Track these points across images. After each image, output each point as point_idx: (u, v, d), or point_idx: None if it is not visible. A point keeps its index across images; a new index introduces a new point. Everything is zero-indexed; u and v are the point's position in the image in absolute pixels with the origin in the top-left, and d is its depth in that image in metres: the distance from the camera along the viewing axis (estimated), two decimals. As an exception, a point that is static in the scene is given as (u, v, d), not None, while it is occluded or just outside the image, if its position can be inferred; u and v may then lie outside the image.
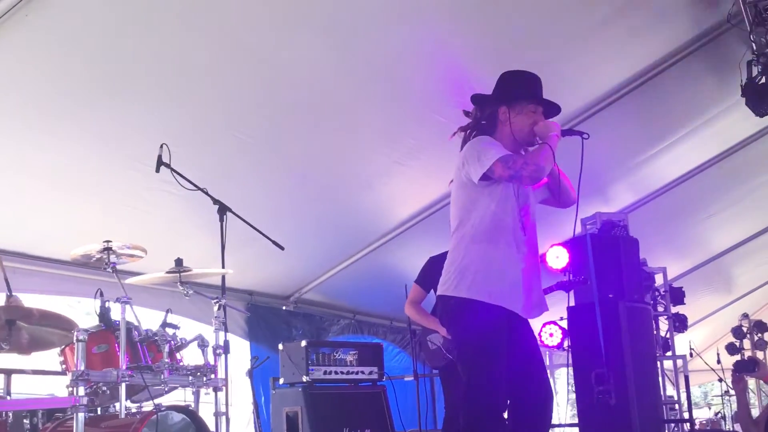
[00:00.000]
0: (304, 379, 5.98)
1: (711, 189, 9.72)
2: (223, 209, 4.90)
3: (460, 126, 4.02)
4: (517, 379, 3.66)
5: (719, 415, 12.09)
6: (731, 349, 12.67)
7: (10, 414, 4.41)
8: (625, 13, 6.18)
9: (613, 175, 8.44)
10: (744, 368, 5.61)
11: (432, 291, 6.08)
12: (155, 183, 5.36)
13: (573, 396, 7.32)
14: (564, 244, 7.42)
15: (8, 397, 4.70)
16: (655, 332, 8.41)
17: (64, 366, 4.46)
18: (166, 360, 4.30)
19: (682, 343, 10.27)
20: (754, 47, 6.67)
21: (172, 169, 4.77)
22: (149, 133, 5.11)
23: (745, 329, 12.64)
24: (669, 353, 9.19)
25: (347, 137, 6.15)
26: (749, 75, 6.82)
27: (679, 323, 9.53)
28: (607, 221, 7.45)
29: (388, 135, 6.31)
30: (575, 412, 7.54)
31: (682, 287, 9.57)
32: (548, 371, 10.04)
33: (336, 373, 6.16)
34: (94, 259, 4.53)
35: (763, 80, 6.74)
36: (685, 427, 8.41)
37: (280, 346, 6.34)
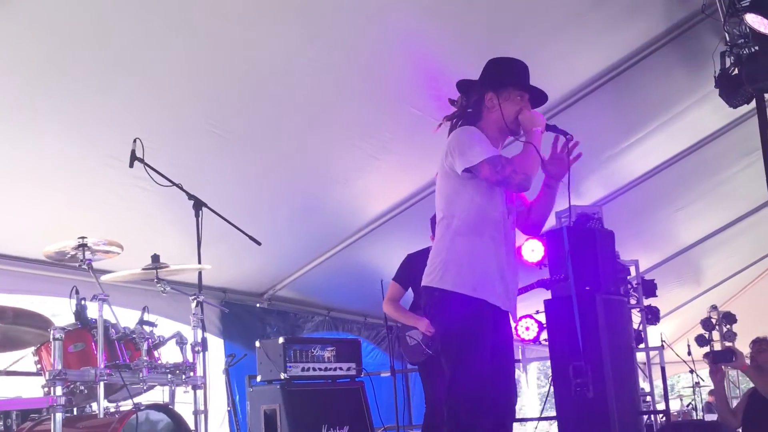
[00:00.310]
0: (282, 376, 5.90)
1: (681, 182, 9.79)
2: (198, 205, 4.84)
3: (446, 115, 3.94)
4: (490, 373, 3.63)
5: (690, 406, 12.18)
6: (700, 340, 12.77)
7: (-17, 415, 4.29)
8: (600, 4, 6.19)
9: (585, 168, 8.44)
10: (722, 358, 5.63)
11: (410, 288, 6.05)
12: (129, 179, 5.27)
13: (545, 390, 7.32)
14: (539, 237, 7.42)
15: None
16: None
17: (39, 366, 4.35)
18: (145, 358, 4.21)
19: (653, 335, 10.31)
20: (727, 38, 6.70)
21: (146, 164, 4.69)
22: (123, 127, 5.00)
23: (714, 321, 12.76)
24: (641, 345, 9.23)
25: (323, 131, 6.08)
26: (722, 66, 6.85)
27: (652, 315, 9.57)
28: (582, 214, 7.45)
29: (363, 129, 6.26)
30: (547, 405, 7.55)
31: (654, 280, 9.62)
32: (521, 365, 10.09)
33: (314, 369, 6.08)
34: (69, 256, 4.42)
35: (736, 71, 6.78)
36: (661, 418, 8.44)
37: (257, 344, 6.26)
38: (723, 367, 5.77)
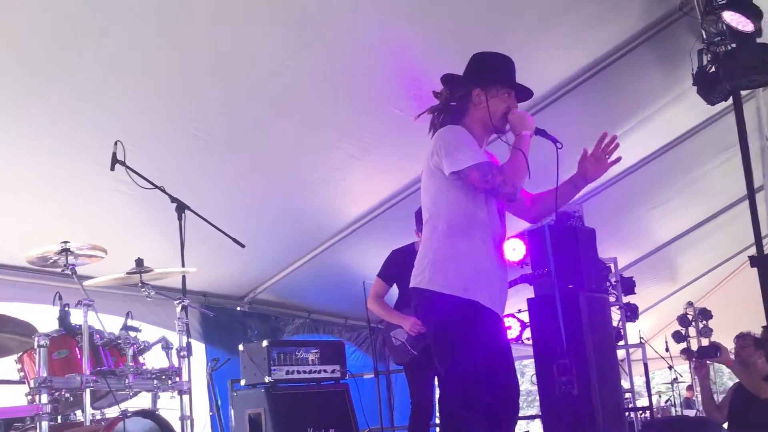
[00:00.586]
0: (267, 379, 5.86)
1: (658, 179, 9.85)
2: (181, 207, 4.80)
3: (429, 107, 3.88)
4: (493, 376, 3.60)
5: (668, 402, 12.27)
6: (677, 337, 12.89)
7: (-35, 425, 4.22)
8: (578, 4, 6.20)
9: (562, 166, 8.46)
10: (706, 354, 5.66)
11: (395, 285, 6.03)
12: (111, 183, 5.21)
13: (524, 388, 7.32)
14: (520, 236, 7.43)
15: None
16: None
17: (21, 373, 4.28)
18: (131, 364, 4.15)
19: (632, 332, 10.38)
20: (704, 36, 6.74)
21: (128, 167, 4.64)
22: (104, 131, 4.94)
23: (690, 317, 12.87)
24: (621, 342, 9.29)
25: (304, 133, 6.04)
26: (700, 64, 6.89)
27: (631, 313, 9.65)
28: (563, 212, 7.46)
29: (345, 130, 6.22)
30: (532, 403, 7.55)
31: (632, 277, 9.67)
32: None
33: (298, 372, 6.04)
34: (52, 261, 4.36)
35: (713, 69, 6.82)
36: (641, 414, 8.49)
37: (241, 347, 6.21)
38: (708, 362, 5.79)
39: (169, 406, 4.50)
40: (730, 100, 7.04)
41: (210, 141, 5.56)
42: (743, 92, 7.06)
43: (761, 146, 6.93)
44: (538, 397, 6.87)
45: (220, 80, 5.16)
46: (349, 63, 5.54)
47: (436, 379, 5.89)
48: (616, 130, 8.11)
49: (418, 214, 5.78)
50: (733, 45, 6.40)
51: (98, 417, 4.13)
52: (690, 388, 13.21)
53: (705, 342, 12.90)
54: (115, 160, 4.59)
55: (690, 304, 13.00)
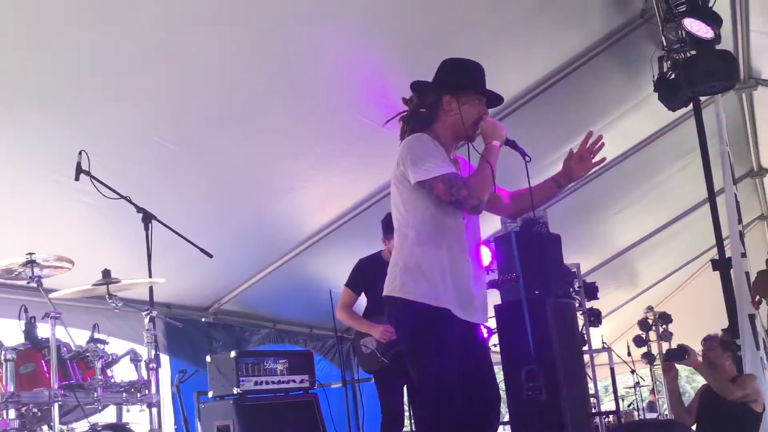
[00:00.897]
0: (235, 391, 5.78)
1: (620, 185, 9.97)
2: (147, 217, 4.73)
3: (398, 114, 3.83)
4: (468, 384, 3.58)
5: (631, 407, 12.38)
6: (638, 341, 13.04)
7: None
8: (541, 12, 6.25)
9: (532, 170, 8.51)
10: (675, 356, 5.70)
11: (363, 294, 6.01)
12: (74, 192, 5.13)
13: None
14: (486, 243, 7.44)
15: None
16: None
17: (-14, 389, 4.17)
18: (99, 377, 4.07)
19: (595, 337, 10.45)
20: (665, 43, 6.84)
21: (93, 177, 4.56)
22: (66, 142, 4.85)
23: (650, 321, 13.04)
24: (585, 347, 9.33)
25: (269, 142, 6.00)
26: (660, 70, 6.99)
27: (594, 318, 9.69)
28: (528, 218, 7.48)
29: (312, 139, 6.19)
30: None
31: (595, 282, 9.74)
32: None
33: (267, 383, 5.96)
34: (16, 273, 4.26)
35: (674, 75, 6.93)
36: (606, 420, 8.53)
37: (208, 358, 6.13)
38: (676, 365, 5.84)
39: (135, 420, 4.44)
40: (690, 106, 7.17)
41: (173, 150, 5.48)
42: (702, 98, 7.18)
43: (721, 151, 7.03)
44: (506, 404, 6.86)
45: (183, 88, 5.09)
46: (313, 72, 5.52)
47: (405, 387, 5.88)
48: (577, 137, 8.27)
49: (385, 222, 5.78)
50: (693, 52, 6.52)
51: (66, 432, 4.05)
52: (653, 391, 13.36)
53: (666, 346, 13.08)
54: (79, 170, 4.52)
55: (650, 308, 13.18)
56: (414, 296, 3.52)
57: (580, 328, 9.02)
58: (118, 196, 4.65)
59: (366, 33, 5.47)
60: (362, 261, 6.05)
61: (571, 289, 8.96)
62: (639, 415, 12.25)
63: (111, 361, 4.30)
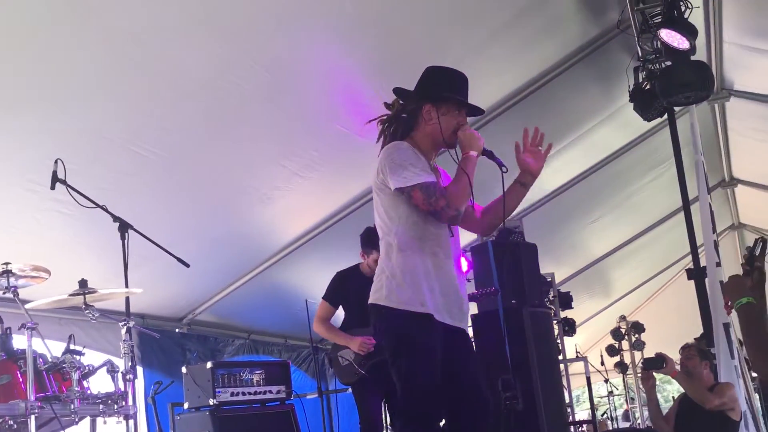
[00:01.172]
0: (211, 402, 5.71)
1: (593, 195, 10.02)
2: (124, 227, 4.67)
3: (379, 117, 3.84)
4: (453, 390, 3.57)
5: (605, 416, 12.42)
6: (611, 350, 13.13)
7: None
8: (518, 23, 6.27)
9: (499, 183, 8.52)
10: (653, 365, 5.72)
11: (341, 306, 5.97)
12: (48, 201, 5.06)
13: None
14: (462, 253, 7.43)
15: None
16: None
17: (-40, 402, 4.08)
18: (76, 388, 4.00)
19: (568, 346, 10.48)
20: (640, 53, 6.89)
21: (69, 186, 4.50)
22: (40, 149, 4.79)
23: (623, 331, 13.13)
24: (560, 357, 9.34)
25: (245, 150, 5.95)
26: (636, 81, 7.04)
27: (568, 327, 9.73)
28: (504, 228, 7.48)
29: (289, 147, 6.15)
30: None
31: (569, 292, 9.77)
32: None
33: (243, 394, 5.89)
34: (-9, 284, 4.19)
35: (648, 86, 6.98)
36: (580, 429, 8.56)
37: (184, 369, 6.05)
38: (654, 373, 5.86)
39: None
40: (664, 117, 7.23)
41: (150, 159, 5.42)
42: (676, 108, 7.24)
43: (696, 161, 7.08)
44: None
45: (161, 97, 5.05)
46: (290, 81, 5.50)
47: (384, 398, 5.86)
48: (554, 147, 8.31)
49: (364, 236, 5.76)
50: (668, 62, 6.57)
51: (42, 445, 3.97)
52: (631, 399, 13.44)
53: (638, 355, 13.17)
54: (55, 179, 4.45)
55: (623, 317, 13.26)
56: (398, 304, 3.54)
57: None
58: (95, 205, 4.59)
59: (343, 43, 5.46)
60: (340, 273, 6.02)
61: (546, 299, 8.99)
62: (612, 424, 12.30)
63: (88, 373, 4.22)
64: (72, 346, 4.35)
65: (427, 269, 3.57)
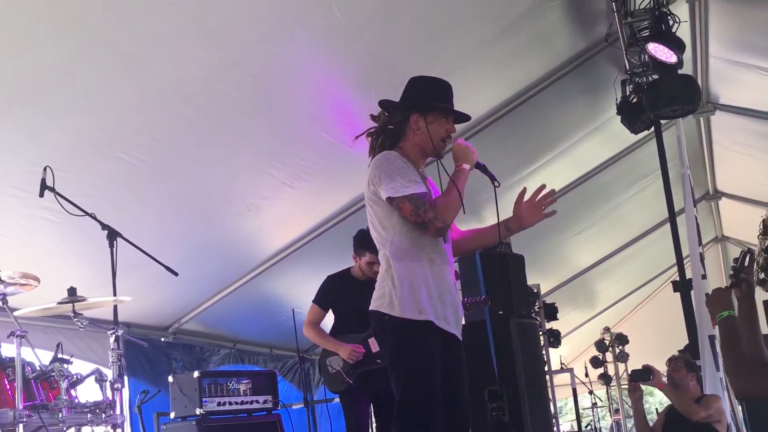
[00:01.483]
0: (198, 411, 5.69)
1: (579, 207, 10.04)
2: (112, 235, 4.64)
3: (366, 130, 3.84)
4: (443, 397, 3.59)
5: (588, 428, 12.43)
6: (595, 362, 13.14)
7: None
8: (505, 34, 6.30)
9: (487, 195, 8.54)
10: (640, 377, 5.75)
11: (331, 311, 5.96)
12: (33, 209, 5.03)
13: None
14: (451, 262, 7.44)
15: None
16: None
17: (-54, 410, 4.05)
18: (64, 397, 3.98)
19: (553, 358, 10.51)
20: (628, 67, 6.94)
21: (57, 193, 4.48)
22: (29, 155, 4.77)
23: (607, 342, 13.14)
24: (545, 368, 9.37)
25: (233, 159, 5.94)
26: (624, 94, 7.08)
27: (554, 338, 9.77)
28: (491, 239, 7.51)
29: (275, 156, 6.15)
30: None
31: (554, 303, 9.81)
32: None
33: (230, 403, 5.88)
34: (-22, 291, 4.16)
35: (635, 99, 7.02)
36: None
37: (170, 379, 6.03)
38: (641, 385, 5.89)
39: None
40: (650, 130, 7.28)
41: (138, 167, 5.40)
42: (663, 121, 7.28)
43: (682, 174, 7.13)
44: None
45: (149, 105, 5.04)
46: (280, 90, 5.50)
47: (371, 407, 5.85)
48: (541, 159, 8.37)
49: (358, 239, 5.76)
50: (656, 76, 6.62)
51: (29, 454, 3.94)
52: (617, 411, 13.45)
53: (622, 367, 13.20)
54: (44, 186, 4.43)
55: (607, 329, 13.28)
56: (399, 312, 3.54)
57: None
58: (83, 213, 4.57)
59: (332, 52, 5.47)
60: (331, 277, 6.00)
61: (533, 310, 9.02)
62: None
63: (76, 381, 4.20)
64: (60, 355, 4.33)
65: (425, 276, 3.58)
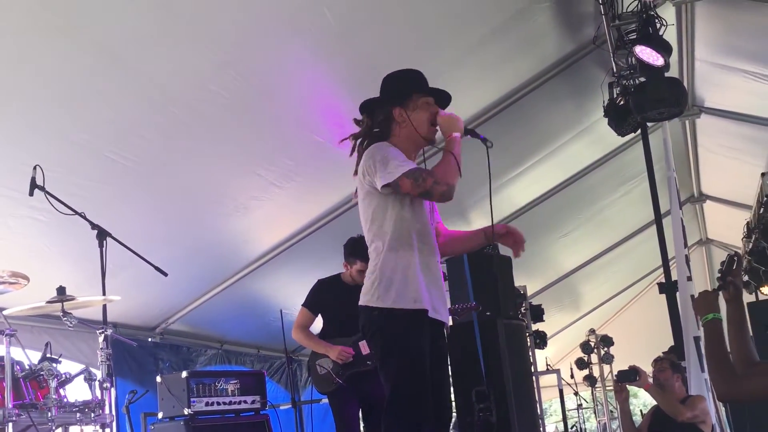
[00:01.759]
0: (186, 411, 5.68)
1: (565, 209, 10.09)
2: (102, 234, 4.63)
3: (352, 133, 3.85)
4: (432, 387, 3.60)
5: (574, 429, 12.49)
6: (580, 363, 13.22)
7: None
8: (494, 37, 6.32)
9: (475, 197, 8.57)
10: (626, 378, 5.78)
11: (320, 315, 5.96)
12: (22, 208, 5.02)
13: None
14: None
15: None
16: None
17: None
18: (53, 396, 3.97)
19: (539, 359, 10.55)
20: (615, 69, 6.98)
21: (47, 192, 4.46)
22: (18, 154, 4.75)
23: (592, 344, 13.23)
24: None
25: (222, 159, 5.94)
26: (611, 96, 7.12)
27: (540, 340, 9.82)
28: (479, 240, 7.53)
29: (264, 156, 6.16)
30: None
31: (541, 305, 9.85)
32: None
33: (218, 404, 5.87)
34: (-33, 290, 4.15)
35: (622, 102, 7.06)
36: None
37: (158, 379, 6.02)
38: (628, 386, 5.91)
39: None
40: (637, 132, 7.31)
41: (128, 167, 5.40)
42: (649, 124, 7.33)
43: (668, 176, 7.17)
44: (456, 425, 6.87)
45: (138, 105, 5.03)
46: (269, 91, 5.51)
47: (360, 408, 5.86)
48: (528, 160, 8.41)
49: (349, 246, 5.76)
50: (643, 78, 6.65)
51: (17, 453, 3.93)
52: (611, 413, 13.54)
53: (607, 368, 13.27)
54: (34, 185, 4.42)
55: (592, 331, 13.37)
56: (392, 303, 3.53)
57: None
58: (73, 212, 4.56)
59: (321, 53, 5.48)
60: (321, 282, 5.99)
61: (519, 311, 9.06)
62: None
63: (65, 381, 4.19)
64: (48, 354, 4.32)
65: (418, 265, 3.58)
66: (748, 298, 9.41)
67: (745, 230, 9.75)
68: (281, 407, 7.21)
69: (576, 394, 12.40)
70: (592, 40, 6.88)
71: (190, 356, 8.03)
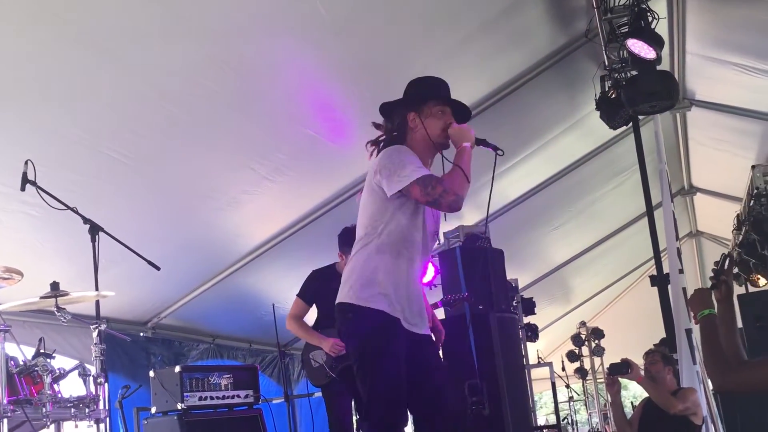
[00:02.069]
0: (179, 406, 5.67)
1: (556, 202, 10.11)
2: (95, 229, 4.62)
3: (371, 140, 3.85)
4: (418, 398, 3.59)
5: (565, 421, 12.53)
6: (571, 356, 13.27)
7: None
8: (485, 30, 6.33)
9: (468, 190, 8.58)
10: (618, 370, 5.79)
11: (315, 305, 5.95)
12: (16, 204, 5.01)
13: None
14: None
15: None
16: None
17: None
18: (48, 392, 3.96)
19: (531, 352, 10.57)
20: (607, 62, 7.00)
21: (39, 187, 4.45)
22: (10, 149, 4.75)
23: (583, 336, 13.28)
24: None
25: (214, 154, 5.94)
26: (602, 89, 7.13)
27: (531, 333, 9.84)
28: (471, 234, 7.57)
29: (255, 151, 6.15)
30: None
31: (532, 297, 9.87)
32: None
33: (212, 398, 5.87)
34: (-41, 285, 4.14)
35: (614, 95, 7.08)
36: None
37: (152, 374, 6.00)
38: (620, 378, 5.93)
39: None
40: (628, 125, 7.34)
41: (120, 161, 5.38)
42: (641, 117, 7.35)
43: (659, 169, 7.20)
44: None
45: (130, 100, 5.02)
46: (259, 83, 5.49)
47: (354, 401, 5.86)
48: (520, 154, 8.41)
49: (343, 236, 5.74)
50: (634, 72, 6.67)
51: (12, 449, 3.92)
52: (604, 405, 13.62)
53: (598, 361, 13.33)
54: (25, 180, 4.40)
55: (583, 323, 13.41)
56: (367, 303, 3.53)
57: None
58: (65, 207, 4.54)
59: (313, 47, 5.47)
60: (316, 272, 5.98)
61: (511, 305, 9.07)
62: (572, 429, 12.42)
63: (59, 376, 4.19)
64: (42, 350, 4.32)
65: (396, 272, 3.59)
66: (738, 290, 9.45)
67: (735, 222, 9.80)
68: (274, 401, 7.22)
69: (567, 386, 12.45)
70: (584, 33, 6.89)
71: (182, 351, 8.02)
